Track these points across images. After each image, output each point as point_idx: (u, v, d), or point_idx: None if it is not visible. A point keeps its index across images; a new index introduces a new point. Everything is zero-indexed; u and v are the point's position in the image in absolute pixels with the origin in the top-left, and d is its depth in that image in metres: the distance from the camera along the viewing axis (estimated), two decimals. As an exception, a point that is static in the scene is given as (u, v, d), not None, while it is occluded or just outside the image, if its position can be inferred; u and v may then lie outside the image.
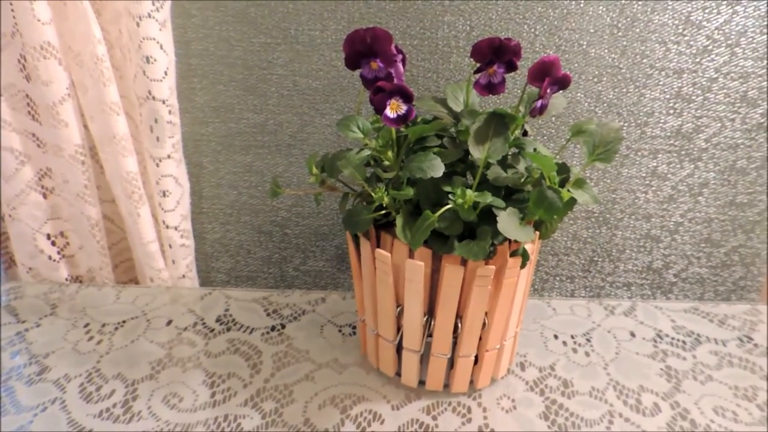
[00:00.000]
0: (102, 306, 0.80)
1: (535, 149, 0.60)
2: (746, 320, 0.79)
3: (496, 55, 0.55)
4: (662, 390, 0.67)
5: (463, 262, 0.57)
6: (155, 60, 0.73)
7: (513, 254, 0.59)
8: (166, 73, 0.75)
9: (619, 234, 0.89)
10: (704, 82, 0.80)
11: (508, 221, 0.53)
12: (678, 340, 0.75)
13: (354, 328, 0.77)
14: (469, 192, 0.54)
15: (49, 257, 0.86)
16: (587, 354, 0.73)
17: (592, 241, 0.90)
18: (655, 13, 0.76)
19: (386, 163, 0.58)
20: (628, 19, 0.77)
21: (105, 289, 0.84)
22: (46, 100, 0.75)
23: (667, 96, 0.81)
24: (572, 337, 0.75)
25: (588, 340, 0.75)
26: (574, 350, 0.73)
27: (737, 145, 0.83)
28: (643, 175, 0.85)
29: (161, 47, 0.73)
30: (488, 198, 0.54)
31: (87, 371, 0.69)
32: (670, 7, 0.76)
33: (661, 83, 0.80)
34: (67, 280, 0.88)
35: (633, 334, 0.76)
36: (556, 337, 0.75)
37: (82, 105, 0.78)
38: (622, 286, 0.93)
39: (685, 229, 0.88)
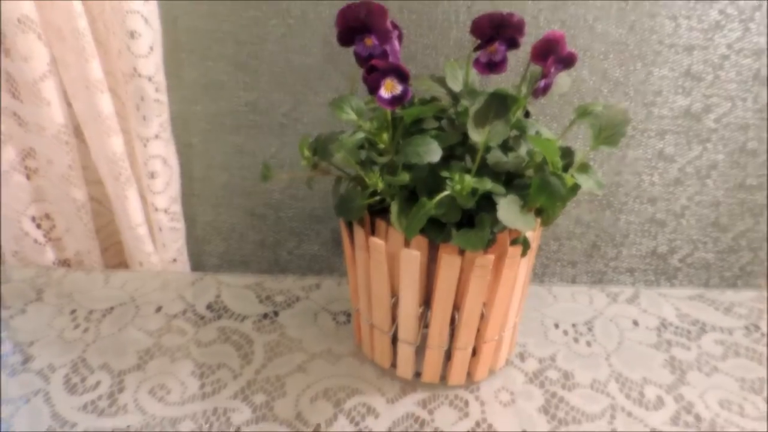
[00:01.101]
0: (90, 291, 0.78)
1: (537, 132, 0.57)
2: (753, 308, 0.77)
3: (497, 31, 0.52)
4: (666, 382, 0.65)
5: (461, 252, 0.54)
6: (140, 35, 0.70)
7: (513, 243, 0.56)
8: (151, 49, 0.72)
9: (623, 218, 0.86)
10: (715, 60, 0.76)
11: (508, 209, 0.51)
12: (682, 329, 0.73)
13: (349, 315, 0.74)
14: (467, 178, 0.51)
15: (35, 240, 0.83)
16: (589, 344, 0.70)
17: (595, 225, 0.87)
18: (666, -14, 0.72)
19: (381, 146, 0.55)
20: (637, -7, 0.73)
21: (93, 273, 0.82)
22: (26, 77, 0.72)
23: (676, 74, 0.77)
24: (573, 325, 0.73)
25: (590, 329, 0.73)
26: (576, 340, 0.71)
27: (748, 125, 0.80)
28: (649, 156, 0.82)
29: (146, 21, 0.70)
30: (488, 184, 0.51)
31: (72, 361, 0.67)
32: (681, -20, 0.72)
33: (670, 60, 0.76)
34: (54, 263, 0.86)
35: (636, 323, 0.74)
36: (556, 326, 0.73)
37: (64, 82, 0.75)
38: (626, 272, 0.90)
39: (691, 213, 0.85)
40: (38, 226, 0.83)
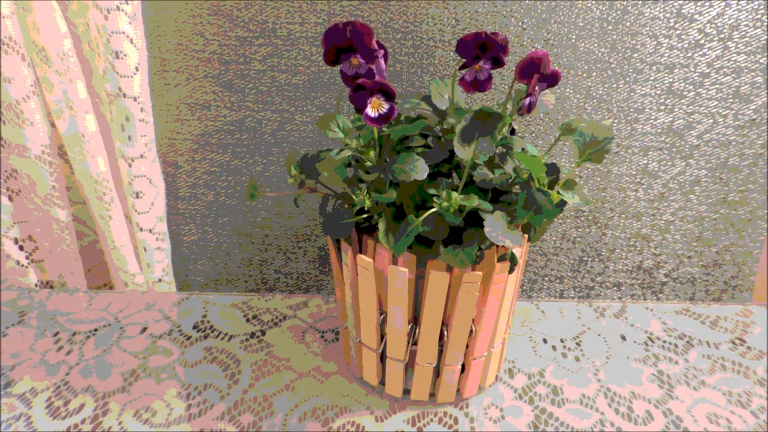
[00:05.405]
0: (73, 313, 0.77)
1: (523, 149, 0.58)
2: (738, 322, 0.77)
3: (481, 50, 0.52)
4: (654, 396, 0.65)
5: (449, 268, 0.54)
6: (125, 55, 0.70)
7: (501, 259, 0.56)
8: (137, 69, 0.72)
9: (609, 233, 0.87)
10: (696, 77, 0.77)
11: (495, 226, 0.51)
12: (670, 343, 0.73)
13: (337, 333, 0.74)
14: (454, 195, 0.51)
15: (17, 262, 0.82)
16: (577, 359, 0.70)
17: (582, 241, 0.88)
18: (646, 6, 0.74)
19: (368, 164, 0.55)
20: (618, 12, 0.74)
21: (77, 294, 0.81)
22: (9, 97, 0.71)
23: (658, 92, 0.78)
24: (562, 341, 0.73)
25: (578, 344, 0.73)
26: (564, 355, 0.71)
27: (729, 141, 0.81)
28: (634, 172, 0.83)
29: (131, 41, 0.70)
30: (475, 201, 0.51)
31: (55, 384, 0.66)
32: (661, 0, 0.73)
33: (651, 78, 0.78)
34: (36, 285, 0.84)
35: (624, 338, 0.74)
36: (545, 341, 0.73)
37: (48, 102, 0.75)
38: (612, 287, 0.91)
39: (676, 228, 0.86)
40: (21, 248, 0.82)
